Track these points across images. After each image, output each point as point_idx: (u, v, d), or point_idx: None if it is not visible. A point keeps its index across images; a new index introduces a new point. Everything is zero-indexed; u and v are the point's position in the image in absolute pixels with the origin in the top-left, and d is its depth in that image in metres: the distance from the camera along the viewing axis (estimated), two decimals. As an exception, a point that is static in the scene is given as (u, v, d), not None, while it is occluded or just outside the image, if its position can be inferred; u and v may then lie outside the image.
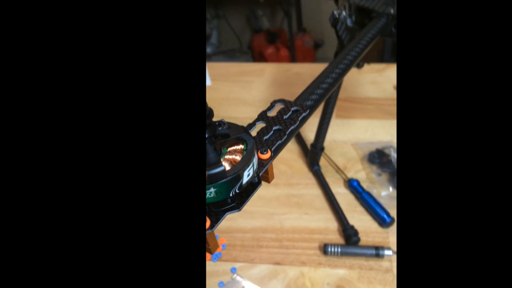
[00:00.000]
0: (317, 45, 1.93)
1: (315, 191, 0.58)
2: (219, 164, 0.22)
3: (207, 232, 0.23)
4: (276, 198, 0.58)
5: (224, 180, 0.22)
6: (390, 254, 0.47)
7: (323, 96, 0.32)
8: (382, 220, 0.51)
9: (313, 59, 1.93)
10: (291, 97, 0.74)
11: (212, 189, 0.22)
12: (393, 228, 0.51)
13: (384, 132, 0.66)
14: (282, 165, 0.63)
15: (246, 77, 0.87)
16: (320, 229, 0.53)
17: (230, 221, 0.56)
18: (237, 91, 0.83)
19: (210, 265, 0.50)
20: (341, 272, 0.47)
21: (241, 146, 0.25)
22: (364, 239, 0.50)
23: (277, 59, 1.84)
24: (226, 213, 0.24)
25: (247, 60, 1.96)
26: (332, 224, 0.53)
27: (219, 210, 0.23)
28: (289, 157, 0.65)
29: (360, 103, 0.74)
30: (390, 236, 0.51)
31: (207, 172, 0.22)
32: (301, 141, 0.66)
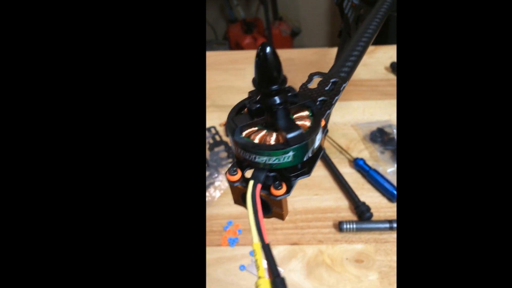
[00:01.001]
0: (294, 34, 1.95)
1: (322, 172, 0.60)
2: (297, 127, 0.23)
3: (284, 196, 0.24)
4: (284, 182, 0.60)
5: (302, 143, 0.23)
6: (403, 226, 0.50)
7: (353, 67, 0.33)
8: (391, 195, 0.54)
9: (291, 48, 1.95)
10: (288, 82, 0.76)
11: (290, 153, 0.22)
12: (402, 202, 0.54)
13: (381, 112, 0.69)
14: (286, 149, 0.65)
15: (237, 64, 0.87)
16: (332, 208, 0.55)
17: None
18: (230, 79, 0.83)
19: (228, 250, 0.51)
20: (358, 247, 0.50)
21: (306, 113, 0.26)
22: (376, 214, 0.53)
23: (255, 48, 1.84)
24: (299, 178, 0.25)
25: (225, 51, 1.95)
26: (343, 202, 0.55)
27: (291, 176, 0.24)
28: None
29: (354, 85, 0.76)
30: (400, 210, 0.53)
31: (287, 136, 0.22)
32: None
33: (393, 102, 0.71)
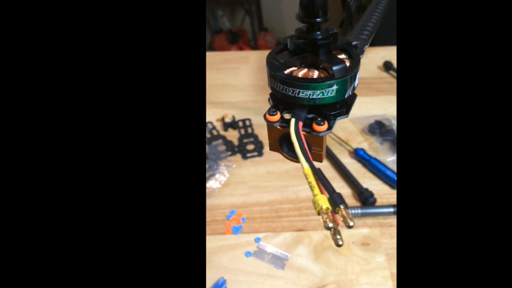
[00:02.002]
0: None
1: (323, 163, 0.61)
2: (341, 61, 0.24)
3: (326, 133, 0.25)
4: (286, 172, 0.61)
5: (346, 77, 0.24)
6: (407, 210, 0.51)
7: (373, 32, 0.35)
8: (393, 182, 0.55)
9: (277, 58, 2.00)
10: None
11: (334, 87, 0.24)
12: (404, 189, 0.56)
13: (377, 107, 0.71)
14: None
15: (230, 64, 0.89)
16: (335, 196, 0.56)
17: (245, 196, 0.57)
18: (224, 77, 0.84)
19: (233, 238, 0.51)
20: (364, 231, 0.51)
21: (343, 55, 0.27)
22: (379, 201, 0.54)
23: (241, 58, 1.88)
24: (338, 118, 0.26)
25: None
26: (345, 190, 0.57)
27: (331, 114, 0.25)
28: (291, 135, 0.68)
29: (349, 83, 0.79)
30: (402, 196, 0.55)
31: (333, 68, 0.23)
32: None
33: (388, 98, 0.74)
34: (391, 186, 0.56)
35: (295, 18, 0.24)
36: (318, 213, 0.21)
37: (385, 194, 0.56)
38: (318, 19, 0.24)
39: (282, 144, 0.27)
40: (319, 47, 0.25)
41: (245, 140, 0.68)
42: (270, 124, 0.26)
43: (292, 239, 0.51)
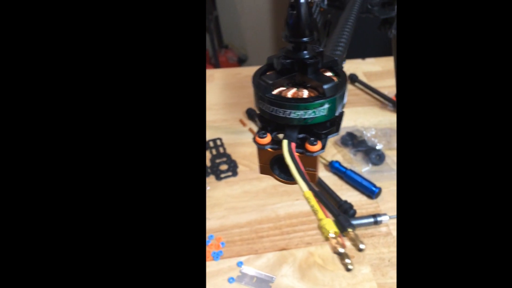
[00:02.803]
0: (241, 60, 2.02)
1: (300, 178, 0.62)
2: (331, 79, 0.24)
3: (320, 152, 0.24)
4: (262, 191, 0.60)
5: (337, 95, 0.24)
6: (387, 219, 0.53)
7: (344, 52, 0.36)
8: (370, 192, 0.57)
9: (239, 75, 2.02)
10: (248, 98, 0.78)
11: (326, 105, 0.24)
12: (382, 198, 0.57)
13: (347, 119, 0.73)
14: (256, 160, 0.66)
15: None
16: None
17: (222, 219, 0.56)
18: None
19: (214, 265, 0.50)
20: (347, 244, 0.51)
21: (329, 73, 0.27)
22: (358, 211, 0.55)
23: (203, 76, 1.87)
24: (330, 136, 0.26)
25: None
26: (324, 204, 0.57)
27: (323, 133, 0.25)
28: (264, 152, 0.68)
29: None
30: (380, 205, 0.56)
31: (324, 86, 0.24)
32: (273, 135, 0.70)
33: (356, 110, 0.76)
34: (369, 196, 0.57)
35: (282, 38, 0.25)
36: (326, 239, 0.20)
37: (364, 205, 0.56)
38: (304, 39, 0.24)
39: (273, 166, 0.27)
40: (308, 66, 0.25)
41: (217, 160, 0.67)
42: (260, 147, 0.26)
43: (275, 259, 0.50)
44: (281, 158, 0.24)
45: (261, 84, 0.25)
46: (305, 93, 0.25)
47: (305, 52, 0.25)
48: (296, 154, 0.24)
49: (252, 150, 0.69)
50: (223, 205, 0.59)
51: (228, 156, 0.68)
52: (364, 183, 0.57)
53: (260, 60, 2.08)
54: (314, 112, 0.24)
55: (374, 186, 0.57)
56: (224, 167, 0.66)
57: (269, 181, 0.62)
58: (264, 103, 0.25)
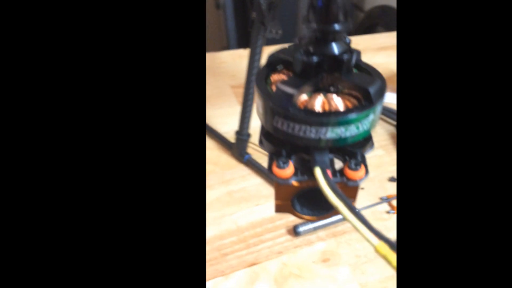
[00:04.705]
0: (218, 5, 1.87)
1: (256, 180, 0.58)
2: (373, 78, 0.19)
3: (365, 178, 0.20)
4: (217, 200, 0.56)
5: (382, 99, 0.19)
6: (356, 212, 0.51)
7: None
8: (333, 185, 0.55)
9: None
10: (228, 86, 0.72)
11: (371, 116, 0.19)
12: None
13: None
14: (208, 165, 0.61)
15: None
16: (279, 215, 0.53)
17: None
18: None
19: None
20: (320, 246, 0.49)
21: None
22: (324, 208, 0.53)
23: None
24: (367, 151, 0.21)
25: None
26: (287, 205, 0.54)
27: (359, 151, 0.21)
28: (210, 155, 0.63)
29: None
30: (345, 198, 0.55)
31: (370, 90, 0.18)
32: (218, 135, 0.65)
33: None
34: (332, 190, 0.56)
35: (303, 22, 0.19)
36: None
37: (328, 200, 0.55)
38: (336, 26, 0.18)
39: (292, 201, 0.22)
40: (344, 62, 0.20)
41: (157, 172, 0.61)
42: (282, 182, 0.20)
43: (246, 277, 0.46)
44: (304, 192, 0.20)
45: (278, 96, 0.19)
46: (338, 102, 0.20)
47: (337, 44, 0.19)
48: (336, 186, 0.19)
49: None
50: (174, 224, 0.53)
51: (169, 166, 0.62)
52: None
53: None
54: (357, 127, 0.19)
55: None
56: (166, 179, 0.60)
57: (222, 189, 0.57)
58: (284, 121, 0.19)
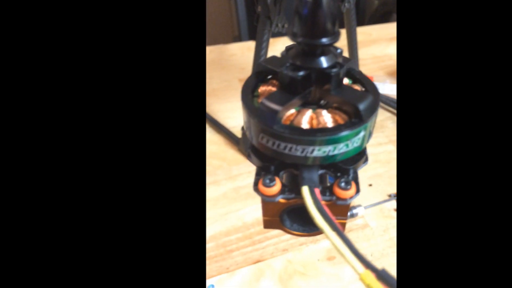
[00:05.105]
0: None
1: (262, 175, 0.58)
2: (364, 93, 0.18)
3: (355, 197, 0.19)
4: (223, 196, 0.56)
5: (374, 116, 0.18)
6: (363, 210, 0.51)
7: None
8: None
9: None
10: (237, 80, 0.71)
11: (362, 133, 0.18)
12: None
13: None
14: (214, 160, 0.61)
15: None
16: (285, 211, 0.53)
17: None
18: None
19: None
20: (326, 243, 0.49)
21: (346, 80, 0.22)
22: (331, 205, 0.53)
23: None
24: (360, 167, 0.21)
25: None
26: (293, 202, 0.54)
27: (351, 167, 0.20)
28: (217, 150, 0.63)
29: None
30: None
31: (360, 107, 0.18)
32: (224, 130, 0.65)
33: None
34: (339, 186, 0.55)
35: (287, 34, 0.18)
36: None
37: (335, 197, 0.54)
38: (325, 39, 0.17)
39: (282, 217, 0.22)
40: (331, 79, 0.19)
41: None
42: (268, 200, 0.20)
43: (251, 274, 0.46)
44: (293, 208, 0.19)
45: (263, 112, 0.18)
46: (326, 117, 0.19)
47: (325, 57, 0.18)
48: (326, 208, 0.18)
49: (210, 148, 0.63)
50: (180, 219, 0.53)
51: (176, 161, 0.62)
52: (333, 172, 0.55)
53: None
54: (346, 145, 0.18)
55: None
56: (173, 174, 0.60)
57: (228, 185, 0.57)
58: (269, 138, 0.18)
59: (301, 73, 0.19)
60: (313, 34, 0.17)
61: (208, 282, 0.46)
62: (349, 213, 0.50)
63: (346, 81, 0.22)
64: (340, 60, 0.19)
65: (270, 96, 0.19)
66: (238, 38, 1.55)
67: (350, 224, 0.51)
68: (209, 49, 0.87)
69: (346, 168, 0.20)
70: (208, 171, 0.60)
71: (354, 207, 0.51)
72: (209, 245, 0.50)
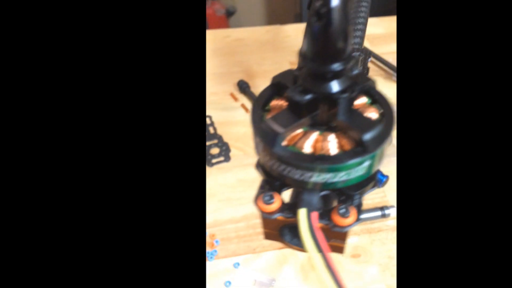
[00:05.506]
0: (230, 13, 1.92)
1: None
2: (372, 123, 0.18)
3: (354, 225, 0.20)
4: (259, 179, 0.57)
5: (383, 146, 0.18)
6: (395, 212, 0.51)
7: (363, 37, 0.31)
8: (377, 180, 0.54)
9: (227, 28, 1.92)
10: (239, 67, 0.72)
11: (366, 163, 0.18)
12: (390, 186, 0.55)
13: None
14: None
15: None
16: (317, 202, 0.54)
17: (216, 212, 0.54)
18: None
19: (208, 266, 0.48)
20: (353, 240, 0.49)
21: (364, 100, 0.21)
22: (364, 203, 0.53)
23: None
24: (366, 193, 0.21)
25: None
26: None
27: (356, 193, 0.20)
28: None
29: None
30: (388, 195, 0.54)
31: (364, 137, 0.18)
32: (269, 113, 0.66)
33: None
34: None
35: (299, 55, 0.17)
36: None
37: (369, 194, 0.54)
38: (335, 65, 0.17)
39: (282, 231, 0.23)
40: (338, 104, 0.18)
41: (207, 143, 0.63)
42: (266, 216, 0.21)
43: (276, 259, 0.48)
44: (294, 224, 0.20)
45: (267, 133, 0.19)
46: (332, 142, 0.19)
47: (337, 81, 0.18)
48: (320, 234, 0.18)
49: (246, 131, 0.65)
50: (216, 195, 0.56)
51: (219, 138, 0.64)
52: (371, 170, 0.55)
53: (249, 13, 1.98)
54: (348, 174, 0.18)
55: (382, 174, 0.54)
56: (215, 150, 0.62)
57: (266, 168, 0.59)
58: (271, 159, 0.19)
59: (307, 96, 0.18)
60: (322, 58, 0.17)
61: (235, 260, 0.49)
62: (380, 213, 0.50)
63: (364, 100, 0.22)
64: (356, 80, 0.19)
65: (276, 117, 0.19)
66: (299, 16, 1.52)
67: (380, 224, 0.51)
68: (265, 29, 0.87)
69: (349, 193, 0.20)
70: (249, 152, 0.61)
71: (387, 207, 0.51)
72: (240, 224, 0.52)
